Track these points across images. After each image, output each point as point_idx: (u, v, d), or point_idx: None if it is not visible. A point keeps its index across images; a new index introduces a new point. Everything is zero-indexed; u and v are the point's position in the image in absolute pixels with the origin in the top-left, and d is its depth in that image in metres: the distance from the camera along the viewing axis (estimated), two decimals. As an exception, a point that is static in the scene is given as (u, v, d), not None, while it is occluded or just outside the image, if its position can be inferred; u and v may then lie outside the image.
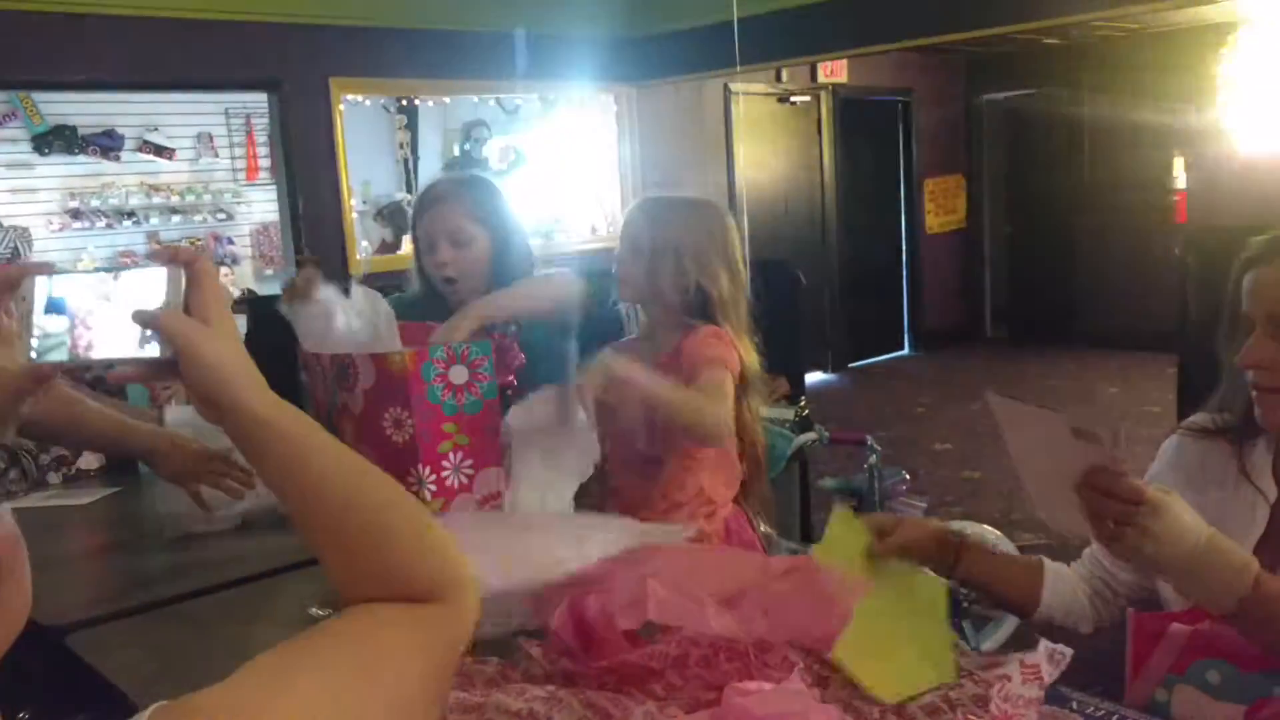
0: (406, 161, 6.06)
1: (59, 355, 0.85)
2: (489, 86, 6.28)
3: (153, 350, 0.82)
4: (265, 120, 6.13)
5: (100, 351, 0.85)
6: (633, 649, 1.21)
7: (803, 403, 3.00)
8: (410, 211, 2.30)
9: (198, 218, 6.32)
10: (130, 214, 6.08)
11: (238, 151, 6.47)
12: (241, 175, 6.48)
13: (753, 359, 2.02)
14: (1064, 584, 1.52)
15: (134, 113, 5.97)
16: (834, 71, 8.24)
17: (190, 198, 6.29)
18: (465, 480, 1.69)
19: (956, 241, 9.59)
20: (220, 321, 0.82)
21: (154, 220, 6.16)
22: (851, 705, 1.20)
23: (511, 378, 2.00)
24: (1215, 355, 1.46)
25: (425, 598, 0.81)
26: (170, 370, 0.81)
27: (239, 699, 0.67)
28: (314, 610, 1.70)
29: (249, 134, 6.45)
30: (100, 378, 2.41)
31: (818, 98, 8.38)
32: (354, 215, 5.86)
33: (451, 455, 1.68)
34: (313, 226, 5.77)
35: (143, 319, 0.81)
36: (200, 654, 1.60)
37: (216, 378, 0.79)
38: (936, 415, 7.07)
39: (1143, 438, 6.09)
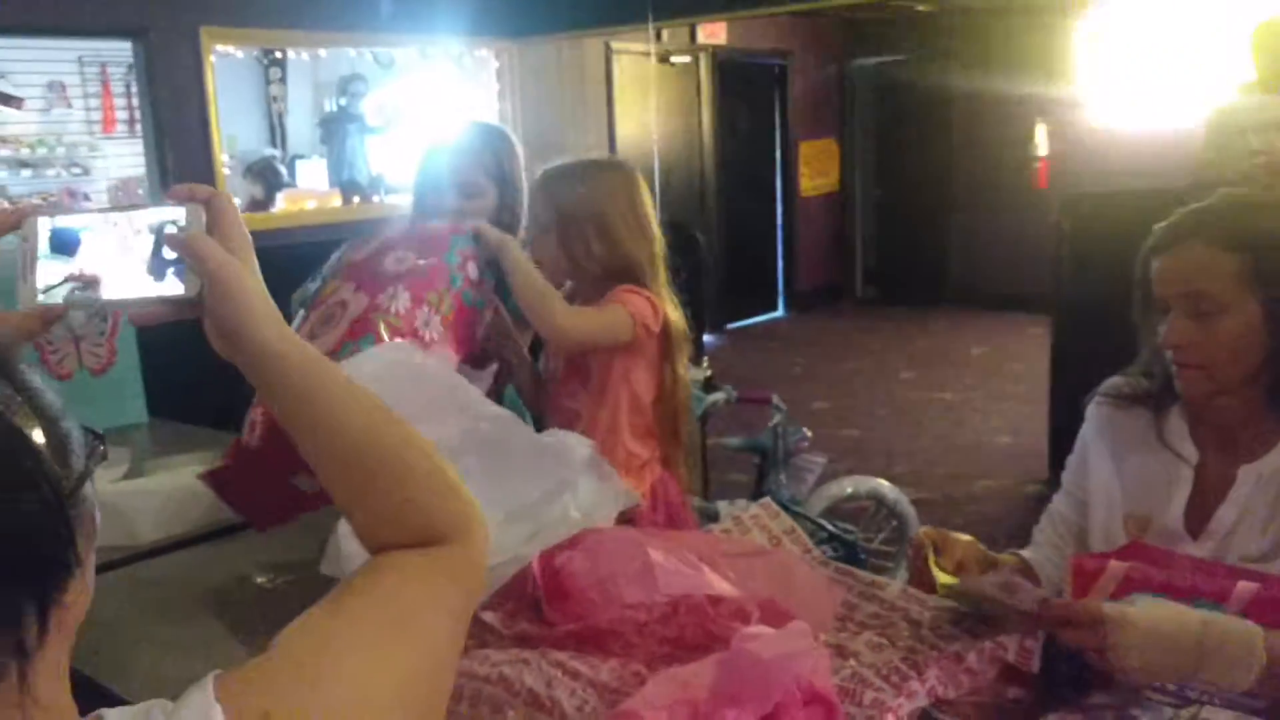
0: (281, 116, 5.83)
1: (63, 294, 0.85)
2: (365, 39, 6.08)
3: (176, 287, 0.82)
4: (123, 70, 5.81)
5: (115, 292, 0.85)
6: (603, 610, 1.23)
7: (706, 363, 3.03)
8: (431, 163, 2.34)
9: (50, 172, 5.94)
10: (-25, 166, 5.69)
11: (92, 102, 6.11)
12: (98, 128, 6.12)
13: (678, 319, 2.04)
14: (1044, 570, 1.57)
15: (-22, 57, 5.56)
16: (713, 33, 8.27)
17: (42, 150, 5.92)
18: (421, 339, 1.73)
19: (829, 204, 9.78)
20: (246, 256, 0.84)
21: (2, 174, 5.77)
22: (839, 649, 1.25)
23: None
24: (1088, 317, 1.53)
25: (440, 538, 0.82)
26: (191, 308, 0.82)
27: (291, 666, 0.69)
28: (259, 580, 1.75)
29: (105, 84, 6.10)
30: None
31: (697, 59, 8.40)
32: (225, 172, 5.62)
33: (427, 313, 1.72)
34: (182, 182, 5.49)
35: (177, 244, 0.82)
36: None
37: (244, 311, 0.80)
38: (812, 375, 7.23)
39: (1008, 394, 6.37)
